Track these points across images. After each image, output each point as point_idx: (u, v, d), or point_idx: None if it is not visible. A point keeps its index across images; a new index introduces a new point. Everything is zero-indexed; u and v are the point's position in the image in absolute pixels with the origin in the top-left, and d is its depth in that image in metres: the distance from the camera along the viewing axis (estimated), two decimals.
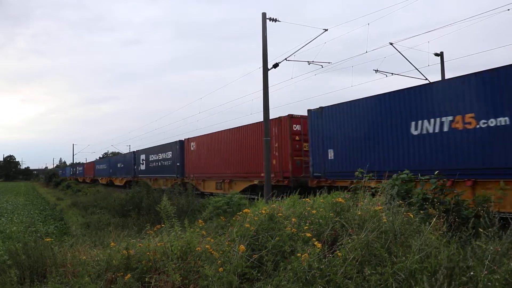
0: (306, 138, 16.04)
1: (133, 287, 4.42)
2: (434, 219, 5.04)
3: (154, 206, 11.48)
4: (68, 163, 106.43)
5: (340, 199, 5.56)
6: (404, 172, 7.89)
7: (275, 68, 16.14)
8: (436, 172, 7.61)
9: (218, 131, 22.58)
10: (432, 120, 11.04)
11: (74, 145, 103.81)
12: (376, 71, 19.47)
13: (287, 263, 4.15)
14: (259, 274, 4.27)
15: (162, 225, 5.67)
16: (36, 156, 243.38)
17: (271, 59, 20.05)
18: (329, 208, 5.49)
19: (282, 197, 7.87)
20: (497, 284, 3.44)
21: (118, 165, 42.43)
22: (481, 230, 4.59)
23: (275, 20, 15.71)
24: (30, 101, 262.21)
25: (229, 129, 21.34)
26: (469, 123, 10.18)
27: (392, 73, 19.75)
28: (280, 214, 5.40)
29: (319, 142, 14.78)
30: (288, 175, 16.10)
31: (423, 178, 7.60)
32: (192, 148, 25.42)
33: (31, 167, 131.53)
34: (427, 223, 4.88)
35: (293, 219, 5.26)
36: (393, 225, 4.55)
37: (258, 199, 8.78)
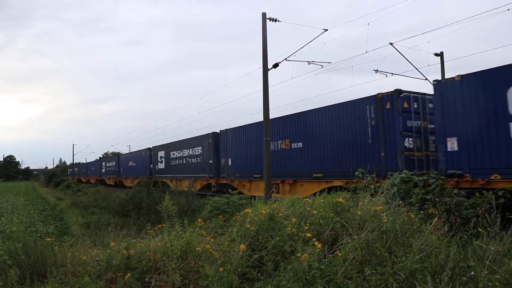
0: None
1: (133, 287, 4.41)
2: (436, 219, 5.03)
3: (154, 206, 11.51)
4: (68, 163, 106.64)
5: (340, 199, 5.55)
6: (403, 172, 8.02)
7: (275, 68, 16.13)
8: None
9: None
10: None
11: (74, 145, 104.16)
12: (376, 71, 19.45)
13: (287, 263, 4.13)
14: (259, 274, 4.26)
15: (163, 225, 5.65)
16: (36, 156, 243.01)
17: (271, 59, 20.09)
18: (329, 208, 5.48)
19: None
20: (497, 284, 3.44)
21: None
22: (482, 230, 4.58)
23: (275, 20, 15.70)
24: (30, 101, 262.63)
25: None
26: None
27: (392, 73, 19.73)
28: (281, 214, 5.39)
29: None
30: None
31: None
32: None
33: (31, 167, 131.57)
34: (428, 223, 4.88)
35: (293, 219, 5.25)
36: (394, 225, 4.54)
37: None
